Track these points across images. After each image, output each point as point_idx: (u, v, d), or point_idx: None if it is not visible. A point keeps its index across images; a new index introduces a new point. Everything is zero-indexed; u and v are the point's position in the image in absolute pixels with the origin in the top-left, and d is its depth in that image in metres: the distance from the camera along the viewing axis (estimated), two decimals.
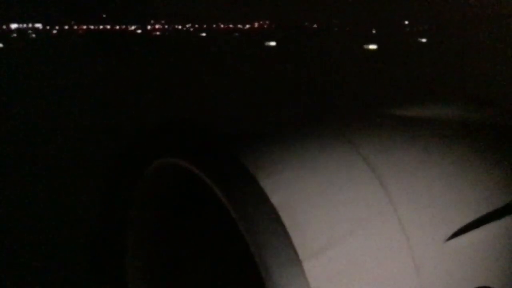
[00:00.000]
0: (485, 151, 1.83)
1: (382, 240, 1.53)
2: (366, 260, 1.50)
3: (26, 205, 8.45)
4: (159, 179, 1.80)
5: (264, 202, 1.48)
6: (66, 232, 7.07)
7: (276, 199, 1.49)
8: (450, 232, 1.60)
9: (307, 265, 1.43)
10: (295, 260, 1.43)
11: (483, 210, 1.67)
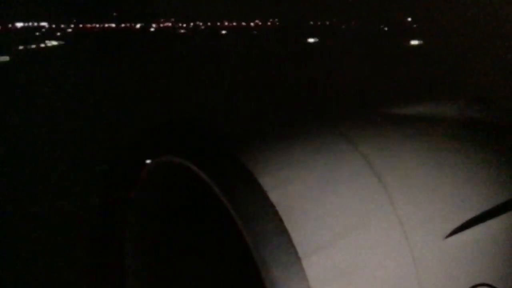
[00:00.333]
0: (484, 149, 1.84)
1: (381, 237, 1.53)
2: (365, 257, 1.50)
3: (26, 205, 8.45)
4: (157, 178, 1.80)
5: (263, 200, 1.48)
6: (66, 232, 7.07)
7: (275, 197, 1.49)
8: (449, 230, 1.60)
9: (306, 263, 1.43)
10: (294, 257, 1.43)
11: (482, 208, 1.67)
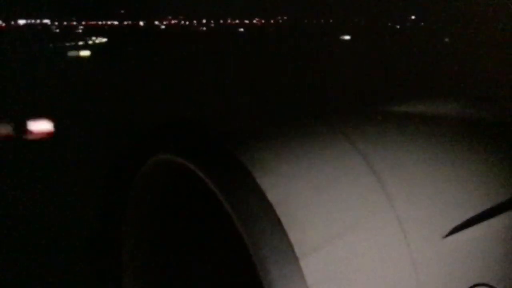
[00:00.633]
0: (484, 148, 1.83)
1: (379, 236, 1.52)
2: (363, 257, 1.49)
3: (26, 205, 8.45)
4: (155, 177, 1.79)
5: (261, 199, 1.47)
6: (65, 232, 7.07)
7: (272, 196, 1.48)
8: (448, 229, 1.60)
9: (304, 262, 1.43)
10: (291, 257, 1.42)
11: (482, 207, 1.67)
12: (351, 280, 1.47)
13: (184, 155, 1.61)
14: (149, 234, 1.91)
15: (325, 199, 1.52)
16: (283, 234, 1.44)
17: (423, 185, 1.64)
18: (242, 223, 1.44)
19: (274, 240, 1.43)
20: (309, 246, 1.45)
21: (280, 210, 1.46)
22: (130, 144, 1.94)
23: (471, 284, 1.59)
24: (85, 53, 49.97)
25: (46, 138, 13.33)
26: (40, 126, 13.77)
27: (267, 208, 1.46)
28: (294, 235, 1.44)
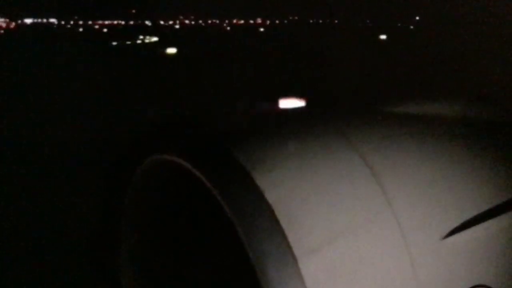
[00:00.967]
0: (483, 149, 1.82)
1: (378, 237, 1.52)
2: (362, 258, 1.49)
3: (26, 205, 8.45)
4: (153, 176, 1.79)
5: (259, 199, 1.47)
6: (65, 232, 7.07)
7: (271, 196, 1.48)
8: (448, 230, 1.59)
9: (302, 263, 1.42)
10: (290, 258, 1.42)
11: (481, 208, 1.66)
12: (350, 281, 1.46)
13: (182, 155, 1.60)
14: (148, 234, 1.90)
15: (324, 200, 1.52)
16: (282, 235, 1.43)
17: (422, 186, 1.64)
18: (240, 224, 1.44)
19: (272, 241, 1.42)
20: (308, 246, 1.44)
21: (278, 210, 1.46)
22: (128, 144, 1.94)
23: (471, 285, 1.59)
24: (171, 50, 47.75)
25: None
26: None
27: (266, 208, 1.46)
28: (292, 236, 1.44)
